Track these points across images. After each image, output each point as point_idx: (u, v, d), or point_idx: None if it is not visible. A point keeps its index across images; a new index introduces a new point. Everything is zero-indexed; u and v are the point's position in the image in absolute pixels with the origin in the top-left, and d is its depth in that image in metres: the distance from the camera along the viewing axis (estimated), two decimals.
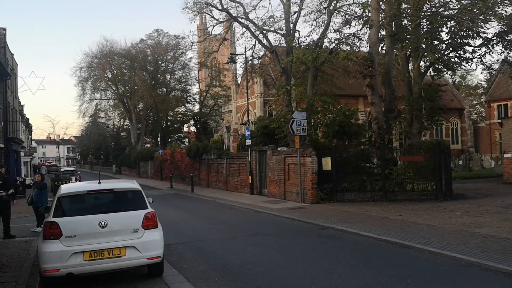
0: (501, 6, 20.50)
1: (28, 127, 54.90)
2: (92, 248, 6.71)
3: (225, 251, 9.64)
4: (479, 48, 23.04)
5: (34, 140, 73.76)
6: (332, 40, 23.40)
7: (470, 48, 23.13)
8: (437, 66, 24.34)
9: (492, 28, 21.98)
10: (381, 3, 19.81)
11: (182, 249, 9.90)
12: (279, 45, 25.46)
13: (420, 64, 24.05)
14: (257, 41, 25.66)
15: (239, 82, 42.59)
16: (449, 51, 23.13)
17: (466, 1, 20.40)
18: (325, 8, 23.38)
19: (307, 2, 36.98)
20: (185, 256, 9.20)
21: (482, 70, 36.45)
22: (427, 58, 22.98)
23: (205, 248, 10.05)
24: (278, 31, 24.89)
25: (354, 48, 23.65)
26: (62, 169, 39.74)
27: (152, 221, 7.28)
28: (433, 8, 21.86)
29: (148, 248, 7.06)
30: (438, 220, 12.05)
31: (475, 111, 59.56)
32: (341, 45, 23.32)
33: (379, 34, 20.12)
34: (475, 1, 19.14)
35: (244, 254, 9.27)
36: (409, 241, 9.46)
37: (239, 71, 39.52)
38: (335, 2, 22.92)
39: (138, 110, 53.76)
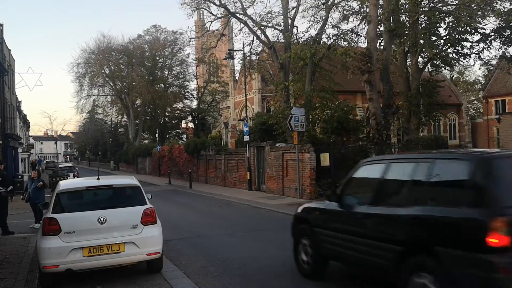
0: (499, 2, 20.52)
1: (26, 124, 54.72)
2: (91, 244, 6.72)
3: (224, 246, 9.66)
4: (477, 44, 23.05)
5: (31, 136, 73.53)
6: (330, 36, 23.45)
7: (468, 44, 23.14)
8: (435, 62, 24.36)
9: (490, 24, 21.97)
10: None
11: (181, 245, 9.91)
12: (277, 41, 25.43)
13: (418, 60, 24.06)
14: (255, 37, 25.64)
15: (237, 78, 42.54)
16: (447, 46, 23.13)
17: None
18: (323, 3, 23.37)
19: None
20: (184, 252, 9.22)
21: (480, 66, 36.61)
22: (425, 53, 23.00)
23: (204, 243, 10.07)
24: (276, 27, 24.89)
25: (352, 43, 23.65)
26: (60, 166, 39.69)
27: (151, 217, 7.28)
28: (431, 4, 21.87)
29: (147, 244, 7.08)
30: None
31: (472, 106, 59.62)
32: (339, 41, 23.33)
33: (377, 29, 20.10)
34: None
35: (243, 250, 9.29)
36: None
37: (237, 67, 39.45)
38: None
39: (136, 106, 53.65)
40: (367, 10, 20.32)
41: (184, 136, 61.46)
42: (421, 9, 21.17)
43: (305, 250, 7.04)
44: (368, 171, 6.48)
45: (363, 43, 23.74)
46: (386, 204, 5.60)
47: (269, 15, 24.69)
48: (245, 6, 25.22)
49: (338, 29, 23.52)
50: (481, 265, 4.20)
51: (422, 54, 23.64)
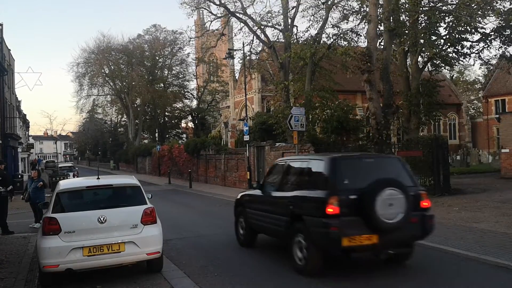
0: (499, 1, 20.50)
1: (25, 123, 54.70)
2: (91, 244, 6.71)
3: (224, 246, 9.66)
4: (477, 43, 23.03)
5: (31, 136, 73.48)
6: (330, 36, 23.45)
7: (468, 43, 23.13)
8: (435, 62, 24.34)
9: (490, 23, 22.00)
10: None
11: (181, 245, 9.91)
12: (277, 40, 25.44)
13: (418, 59, 24.04)
14: (255, 37, 25.65)
15: (237, 77, 42.55)
16: (447, 46, 23.12)
17: None
18: (323, 3, 23.36)
19: None
20: (184, 252, 9.21)
21: (480, 65, 36.58)
22: (425, 53, 22.98)
23: (204, 243, 10.06)
24: (276, 27, 24.90)
25: (352, 43, 23.64)
26: (59, 165, 39.69)
27: (151, 216, 7.28)
28: (431, 3, 21.84)
29: (147, 243, 7.07)
30: (436, 215, 12.01)
31: (472, 106, 59.64)
32: (339, 41, 23.32)
33: (377, 29, 20.08)
34: None
35: (243, 249, 9.28)
36: None
37: (237, 67, 39.48)
38: None
39: (135, 105, 53.65)
40: (367, 9, 20.30)
41: (184, 135, 61.45)
42: (421, 8, 21.14)
43: (241, 226, 9.61)
44: (278, 168, 9.00)
45: (363, 43, 23.74)
46: (283, 190, 8.14)
47: (269, 14, 24.73)
48: (245, 6, 25.25)
49: (338, 28, 23.53)
50: (323, 225, 6.66)
51: (422, 54, 23.62)
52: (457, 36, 22.33)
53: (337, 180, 6.99)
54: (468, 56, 23.74)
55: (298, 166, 8.23)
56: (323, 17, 23.42)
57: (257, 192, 9.12)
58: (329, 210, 6.61)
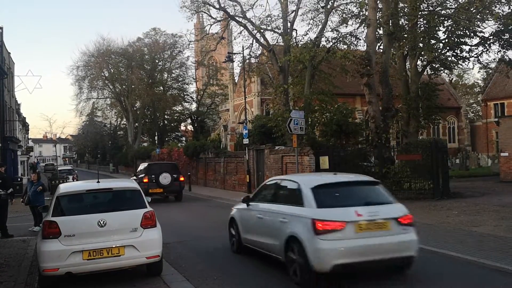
0: (497, 5, 20.58)
1: (25, 126, 54.72)
2: (91, 247, 6.70)
3: (224, 249, 9.64)
4: (476, 47, 23.10)
5: (31, 139, 73.45)
6: (330, 39, 23.55)
7: (467, 47, 23.20)
8: (434, 65, 24.40)
9: (489, 27, 22.20)
10: (378, 2, 19.81)
11: (180, 248, 9.90)
12: (277, 44, 25.49)
13: (417, 63, 24.11)
14: (254, 40, 25.69)
15: (236, 81, 42.58)
16: (446, 50, 23.19)
17: (463, 0, 20.46)
18: (322, 7, 23.43)
19: (304, 1, 37.10)
20: (184, 255, 9.20)
21: (479, 69, 36.56)
22: (424, 57, 23.06)
23: (203, 247, 10.05)
24: (275, 30, 24.94)
25: (351, 47, 23.71)
26: (59, 168, 39.65)
27: (151, 220, 7.27)
28: (430, 7, 21.94)
29: (147, 247, 7.06)
30: (435, 219, 12.08)
31: (471, 110, 59.67)
32: (339, 44, 23.38)
33: (377, 33, 20.15)
34: (472, 0, 19.19)
35: (242, 253, 9.28)
36: None
37: (237, 70, 39.53)
38: (332, 1, 22.99)
39: (135, 109, 53.63)
40: (366, 13, 20.37)
41: (184, 138, 61.42)
42: (420, 12, 21.23)
43: None
44: (141, 167, 23.24)
45: (362, 46, 23.82)
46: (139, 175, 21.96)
47: (269, 18, 24.78)
48: (244, 10, 25.31)
49: (338, 32, 23.60)
50: (144, 185, 19.36)
51: (421, 57, 23.70)
52: (456, 40, 22.41)
53: (149, 171, 20.73)
54: (467, 60, 23.83)
55: (143, 166, 22.30)
56: (323, 21, 23.48)
57: (134, 177, 21.29)
58: (145, 180, 20.06)
